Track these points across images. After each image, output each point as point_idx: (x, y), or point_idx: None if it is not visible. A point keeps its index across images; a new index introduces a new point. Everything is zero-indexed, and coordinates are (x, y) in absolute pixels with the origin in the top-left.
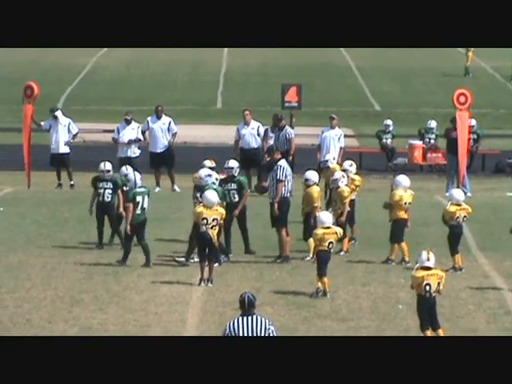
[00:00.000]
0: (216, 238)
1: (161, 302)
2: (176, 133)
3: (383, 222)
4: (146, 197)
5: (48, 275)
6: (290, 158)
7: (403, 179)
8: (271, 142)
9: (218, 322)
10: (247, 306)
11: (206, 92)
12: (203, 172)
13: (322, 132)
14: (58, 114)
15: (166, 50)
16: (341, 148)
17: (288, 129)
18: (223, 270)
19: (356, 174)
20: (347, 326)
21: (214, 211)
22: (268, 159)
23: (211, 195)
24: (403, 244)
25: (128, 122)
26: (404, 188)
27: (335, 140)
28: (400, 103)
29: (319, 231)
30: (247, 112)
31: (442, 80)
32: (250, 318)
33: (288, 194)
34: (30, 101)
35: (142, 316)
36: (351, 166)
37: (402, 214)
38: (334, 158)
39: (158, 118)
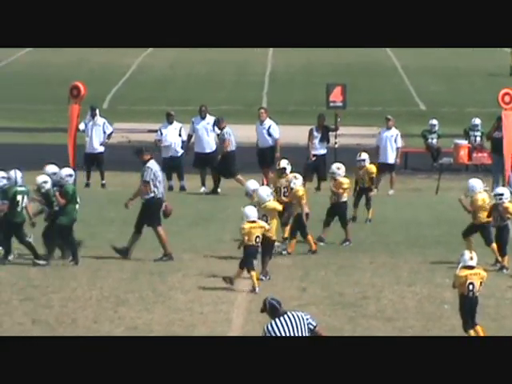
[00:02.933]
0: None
1: (206, 302)
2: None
3: (428, 221)
4: (26, 196)
5: (93, 275)
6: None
7: (477, 183)
8: (316, 141)
9: (263, 322)
10: (275, 309)
11: (251, 92)
12: (64, 172)
13: (379, 133)
14: (97, 112)
15: (211, 50)
16: (397, 148)
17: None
18: (268, 269)
19: (345, 176)
20: (393, 326)
21: (257, 227)
22: (313, 159)
23: (250, 211)
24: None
25: (170, 122)
26: (480, 190)
27: (392, 140)
28: (445, 103)
29: (246, 225)
30: (262, 110)
31: (488, 79)
32: (283, 317)
33: (160, 195)
34: (76, 101)
35: (188, 316)
36: (339, 169)
37: (485, 216)
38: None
39: (203, 118)
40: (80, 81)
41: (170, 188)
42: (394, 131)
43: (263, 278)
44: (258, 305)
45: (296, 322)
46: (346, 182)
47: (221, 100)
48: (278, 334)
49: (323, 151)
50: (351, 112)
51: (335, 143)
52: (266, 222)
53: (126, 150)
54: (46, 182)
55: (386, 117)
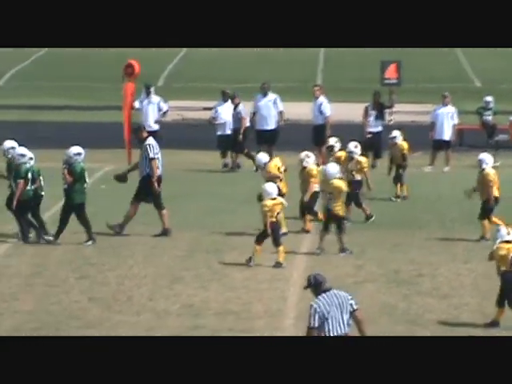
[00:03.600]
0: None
1: (262, 280)
2: (282, 111)
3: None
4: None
5: (149, 253)
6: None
7: (488, 157)
8: (371, 119)
9: None
10: (319, 285)
11: (306, 69)
12: (72, 150)
13: (435, 110)
14: (152, 90)
15: None
16: (454, 125)
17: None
18: (324, 246)
19: (362, 155)
20: (448, 304)
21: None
22: (369, 136)
23: (271, 188)
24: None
25: (225, 100)
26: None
27: (448, 117)
28: (501, 79)
29: (268, 203)
30: (316, 87)
31: None
32: (329, 293)
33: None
34: (130, 79)
35: (244, 293)
36: (356, 147)
37: (496, 191)
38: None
39: (264, 95)
40: (134, 59)
41: (225, 165)
42: (451, 108)
43: (343, 253)
44: None
45: (340, 301)
46: (363, 160)
47: (275, 77)
48: (325, 311)
49: (379, 129)
50: (406, 89)
51: (390, 120)
52: (332, 199)
53: (180, 128)
54: (13, 148)
55: (442, 94)
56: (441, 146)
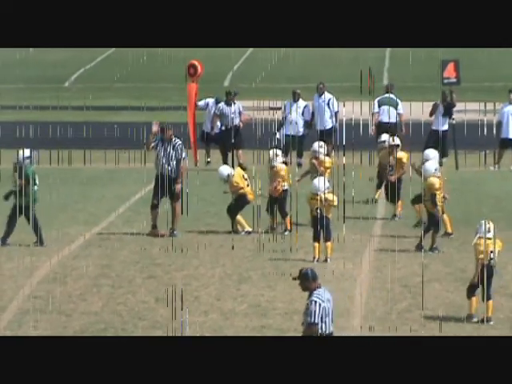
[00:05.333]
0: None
1: (329, 279)
2: (337, 112)
3: None
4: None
5: (216, 253)
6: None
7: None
8: (440, 117)
9: (386, 299)
10: (316, 278)
11: (371, 68)
12: (22, 153)
13: (501, 108)
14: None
15: None
16: None
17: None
18: (390, 245)
19: (327, 155)
20: None
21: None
22: (435, 133)
23: (318, 182)
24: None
25: (295, 100)
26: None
27: None
28: None
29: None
30: (321, 85)
31: None
32: (321, 289)
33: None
34: (193, 79)
35: None
36: (321, 147)
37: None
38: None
39: (320, 95)
40: (199, 59)
41: (285, 163)
42: None
43: (432, 252)
44: (382, 282)
45: (329, 297)
46: (328, 160)
47: (339, 76)
48: (326, 307)
49: (446, 127)
50: (470, 88)
51: (452, 119)
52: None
53: (247, 128)
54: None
55: (509, 89)
56: (507, 144)
